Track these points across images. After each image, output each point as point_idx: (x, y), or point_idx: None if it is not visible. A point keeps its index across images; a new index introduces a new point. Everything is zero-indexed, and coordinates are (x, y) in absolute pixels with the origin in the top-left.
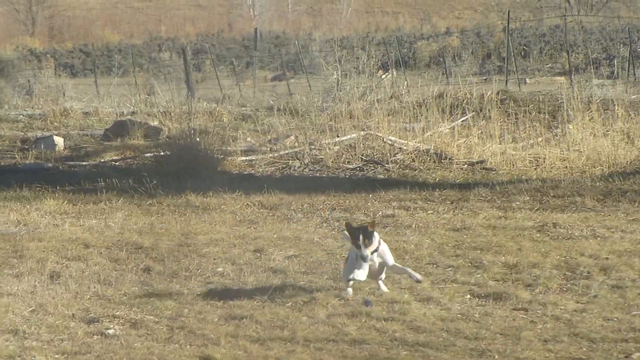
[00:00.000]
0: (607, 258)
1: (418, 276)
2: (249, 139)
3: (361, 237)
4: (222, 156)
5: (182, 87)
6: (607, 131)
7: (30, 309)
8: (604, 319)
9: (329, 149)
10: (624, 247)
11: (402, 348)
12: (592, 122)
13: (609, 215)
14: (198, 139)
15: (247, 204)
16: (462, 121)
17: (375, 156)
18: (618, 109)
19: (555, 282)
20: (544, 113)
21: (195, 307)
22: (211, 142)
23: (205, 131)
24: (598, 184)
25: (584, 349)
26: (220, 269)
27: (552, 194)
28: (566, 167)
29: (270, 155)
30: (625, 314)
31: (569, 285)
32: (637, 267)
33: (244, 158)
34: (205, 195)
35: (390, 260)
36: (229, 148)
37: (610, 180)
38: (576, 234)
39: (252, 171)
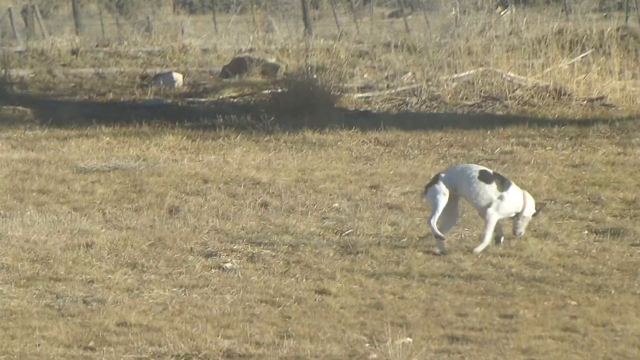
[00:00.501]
0: None
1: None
2: (365, 75)
3: None
4: (338, 93)
5: (299, 24)
6: None
7: (149, 242)
8: None
9: (447, 85)
10: None
11: (518, 283)
12: None
13: None
14: (315, 76)
15: (364, 140)
16: (582, 57)
17: (494, 92)
18: None
19: None
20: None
21: (311, 241)
22: (328, 79)
23: (322, 68)
24: None
25: None
26: (336, 205)
27: None
28: None
29: (387, 92)
30: None
31: None
32: None
33: (360, 95)
34: (322, 132)
35: None
36: (345, 85)
37: None
38: None
39: (369, 108)
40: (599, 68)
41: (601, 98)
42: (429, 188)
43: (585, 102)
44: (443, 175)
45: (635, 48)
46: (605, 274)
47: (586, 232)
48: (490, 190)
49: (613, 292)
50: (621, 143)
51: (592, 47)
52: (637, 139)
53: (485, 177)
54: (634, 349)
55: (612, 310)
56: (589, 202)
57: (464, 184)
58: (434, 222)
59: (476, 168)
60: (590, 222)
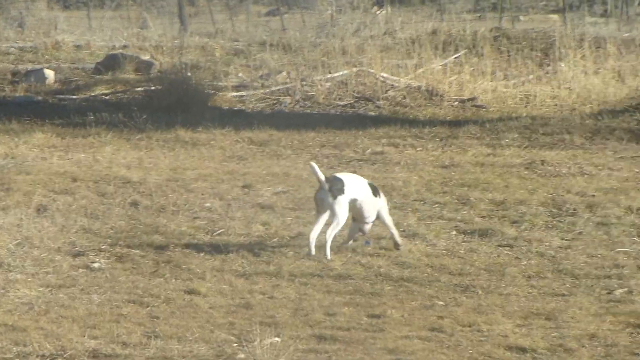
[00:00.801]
0: (593, 195)
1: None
2: (240, 74)
3: None
4: (213, 92)
5: (175, 21)
6: (598, 69)
7: (16, 241)
8: (588, 256)
9: (321, 85)
10: (610, 184)
11: (386, 283)
12: (583, 60)
13: (597, 152)
14: (189, 74)
15: (237, 139)
16: (455, 58)
17: (367, 93)
18: (610, 47)
19: (541, 219)
20: (537, 51)
21: (181, 241)
22: (202, 77)
23: (197, 66)
24: (587, 121)
25: (567, 285)
26: (207, 204)
27: (541, 132)
28: (556, 104)
29: (261, 91)
30: (609, 251)
31: (554, 222)
32: (623, 205)
33: (234, 94)
34: (195, 131)
35: None
36: (220, 83)
37: (600, 118)
38: (564, 171)
39: (243, 107)
40: (472, 69)
41: (472, 99)
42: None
43: (456, 103)
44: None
45: (508, 49)
46: (473, 275)
47: (454, 232)
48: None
49: (480, 292)
50: (491, 144)
51: (466, 48)
52: (507, 140)
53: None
54: (499, 349)
55: (478, 311)
56: (457, 202)
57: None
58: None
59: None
60: (458, 223)
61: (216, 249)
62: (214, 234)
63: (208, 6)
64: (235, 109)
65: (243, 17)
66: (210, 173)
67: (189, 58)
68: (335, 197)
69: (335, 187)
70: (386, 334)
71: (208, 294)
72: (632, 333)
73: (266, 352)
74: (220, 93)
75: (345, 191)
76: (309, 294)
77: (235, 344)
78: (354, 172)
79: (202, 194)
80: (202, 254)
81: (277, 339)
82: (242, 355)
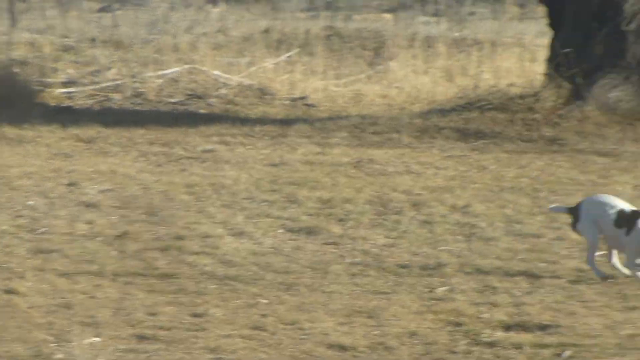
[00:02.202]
0: (419, 194)
1: None
2: (69, 71)
3: None
4: (40, 88)
5: (3, 17)
6: (429, 68)
7: None
8: (412, 254)
9: (152, 82)
10: (436, 183)
11: (210, 282)
12: (414, 59)
13: (424, 151)
14: (16, 70)
15: (63, 137)
16: (287, 57)
17: (199, 91)
18: (440, 47)
19: (367, 217)
20: (368, 50)
21: (2, 240)
22: (30, 74)
23: (25, 62)
24: (416, 120)
25: (390, 283)
26: (31, 203)
27: (370, 131)
28: (386, 103)
29: (91, 87)
30: (432, 249)
31: (380, 220)
32: (448, 203)
33: (63, 90)
34: (21, 128)
35: None
36: (48, 80)
37: (428, 117)
38: (390, 170)
39: (71, 103)
40: (304, 68)
41: (303, 98)
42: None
43: (288, 101)
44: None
45: (340, 48)
46: (297, 273)
47: (281, 230)
48: None
49: (303, 290)
50: (320, 143)
51: (298, 47)
52: (336, 139)
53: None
54: (321, 347)
55: (301, 309)
56: (286, 201)
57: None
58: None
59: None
60: (286, 221)
61: (38, 248)
62: (36, 232)
63: (40, 2)
64: (63, 105)
65: (75, 13)
66: (35, 171)
67: (17, 54)
68: None
69: None
70: (208, 332)
71: (28, 294)
72: (452, 331)
73: (85, 352)
74: (48, 89)
75: None
76: (132, 294)
77: (53, 344)
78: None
79: (26, 192)
80: (23, 253)
81: (96, 338)
82: (60, 356)
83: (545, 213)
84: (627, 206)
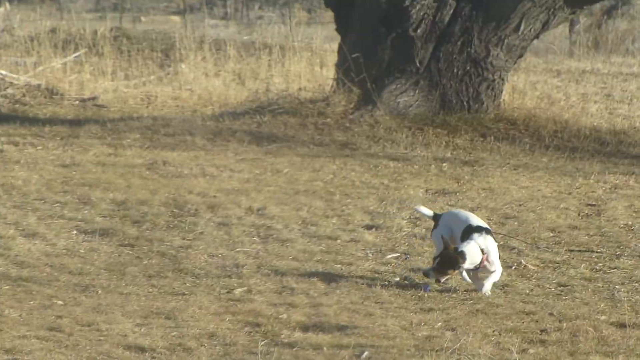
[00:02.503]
0: (215, 196)
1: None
2: None
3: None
4: None
5: None
6: (219, 71)
7: None
8: (209, 255)
9: None
10: (231, 185)
11: (4, 282)
12: (204, 61)
13: (219, 154)
14: None
15: None
16: (75, 57)
17: None
18: (230, 50)
19: (163, 218)
20: (157, 52)
21: None
22: None
23: None
24: (209, 123)
25: (188, 285)
26: None
27: (162, 132)
28: (178, 105)
29: None
30: (229, 251)
31: (176, 222)
32: (243, 205)
33: None
34: None
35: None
36: None
37: (221, 120)
38: (185, 172)
39: None
40: (92, 68)
41: (93, 98)
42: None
43: (77, 102)
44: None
45: (129, 49)
46: (93, 274)
47: (75, 232)
48: None
49: (100, 291)
50: (112, 144)
51: (86, 47)
52: (128, 140)
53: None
54: (118, 348)
55: (98, 310)
56: (79, 202)
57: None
58: None
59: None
60: (79, 222)
61: None
62: None
63: None
64: None
65: None
66: None
67: None
68: None
69: None
70: (3, 333)
71: None
72: (250, 332)
73: None
74: None
75: None
76: None
77: None
78: None
79: None
80: None
81: None
82: None
83: (339, 215)
84: (476, 222)
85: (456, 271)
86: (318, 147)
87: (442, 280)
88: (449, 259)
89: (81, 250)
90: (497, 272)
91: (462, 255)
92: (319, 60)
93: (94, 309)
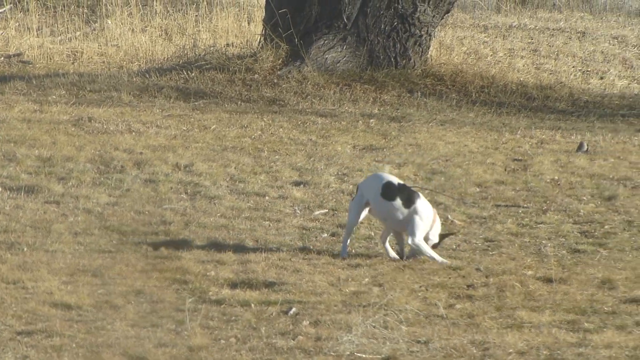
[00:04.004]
0: (141, 153)
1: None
2: None
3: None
4: None
5: None
6: (146, 27)
7: None
8: (136, 212)
9: None
10: (158, 142)
11: None
12: (130, 17)
13: (145, 110)
14: None
15: None
16: (0, 13)
17: None
18: (157, 5)
19: (89, 175)
20: (84, 7)
21: None
22: None
23: None
24: (135, 79)
25: (114, 242)
26: None
27: (88, 89)
28: (104, 62)
29: None
30: (156, 207)
31: (102, 179)
32: (170, 162)
33: None
34: None
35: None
36: None
37: (147, 76)
38: (111, 128)
39: None
40: (17, 24)
41: (18, 55)
42: None
43: (2, 58)
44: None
45: (54, 5)
46: (18, 232)
47: (0, 189)
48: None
49: (25, 249)
50: (38, 100)
51: (11, 3)
52: (54, 97)
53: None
54: (44, 306)
55: (23, 268)
56: (3, 159)
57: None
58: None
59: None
60: (4, 180)
61: None
62: None
63: None
64: None
65: None
66: None
67: None
68: None
69: None
70: None
71: None
72: (178, 289)
73: None
74: None
75: None
76: None
77: None
78: None
79: None
80: None
81: None
82: None
83: (267, 172)
84: (395, 180)
85: None
86: (246, 104)
87: None
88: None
89: (6, 208)
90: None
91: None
92: (246, 16)
93: (19, 266)
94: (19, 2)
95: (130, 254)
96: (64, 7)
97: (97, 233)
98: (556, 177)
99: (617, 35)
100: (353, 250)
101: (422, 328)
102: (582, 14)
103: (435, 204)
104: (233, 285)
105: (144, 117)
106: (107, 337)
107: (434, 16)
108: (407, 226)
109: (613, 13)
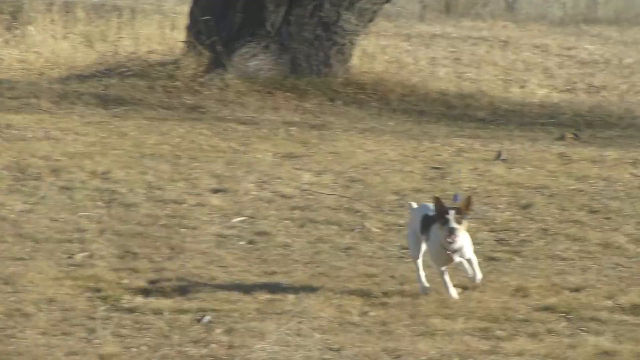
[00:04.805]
0: (58, 160)
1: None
2: None
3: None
4: None
5: None
6: (68, 34)
7: None
8: (51, 220)
9: None
10: (76, 149)
11: None
12: (53, 24)
13: (64, 117)
14: None
15: None
16: None
17: None
18: (80, 12)
19: (4, 182)
20: (5, 14)
21: None
22: None
23: None
24: (55, 86)
25: (28, 249)
26: None
27: (7, 95)
28: (24, 68)
29: None
30: (72, 215)
31: (18, 186)
32: (87, 169)
33: None
34: None
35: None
36: None
37: (68, 83)
38: (29, 135)
39: None
40: None
41: None
42: None
43: None
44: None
45: None
46: None
47: None
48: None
49: None
50: None
51: None
52: None
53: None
54: None
55: None
56: None
57: None
58: None
59: None
60: None
61: None
62: None
63: None
64: None
65: None
66: None
67: None
68: None
69: None
70: None
71: None
72: (91, 297)
73: None
74: None
75: None
76: None
77: None
78: None
79: None
80: None
81: None
82: None
83: (186, 179)
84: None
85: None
86: (166, 111)
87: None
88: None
89: None
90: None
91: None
92: (170, 23)
93: None
94: None
95: (43, 261)
96: None
97: (10, 240)
98: (474, 185)
99: (539, 44)
100: (270, 258)
101: (335, 335)
102: (506, 23)
103: (352, 211)
104: (146, 293)
105: (63, 124)
106: (17, 346)
107: (357, 25)
108: None
109: (536, 22)
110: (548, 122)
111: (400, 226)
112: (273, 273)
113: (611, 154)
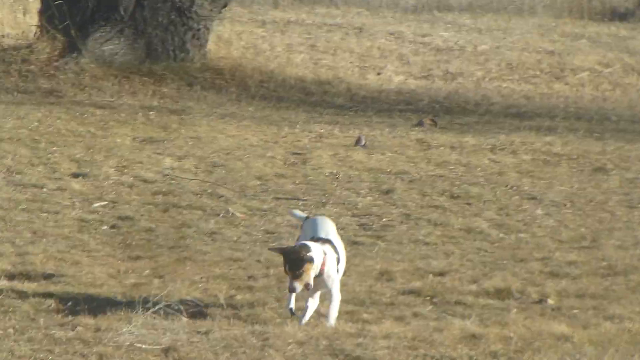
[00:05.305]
0: None
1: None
2: None
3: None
4: None
5: None
6: None
7: None
8: None
9: None
10: None
11: None
12: None
13: None
14: None
15: None
16: None
17: None
18: None
19: None
20: None
21: None
22: None
23: None
24: None
25: None
26: None
27: None
28: None
29: None
30: None
31: None
32: None
33: None
34: None
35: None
36: None
37: None
38: None
39: None
40: None
41: None
42: None
43: None
44: None
45: None
46: None
47: None
48: None
49: None
50: None
51: None
52: None
53: None
54: None
55: None
56: None
57: None
58: None
59: None
60: None
61: None
62: None
63: None
64: None
65: None
66: None
67: None
68: None
69: None
70: None
71: None
72: None
73: None
74: None
75: None
76: None
77: None
78: None
79: None
80: None
81: None
82: None
83: (45, 164)
84: (324, 234)
85: (311, 267)
86: (22, 95)
87: (308, 283)
88: (293, 253)
89: None
90: (335, 296)
91: (304, 247)
92: (22, 7)
93: None
94: None
95: None
96: None
97: None
98: (335, 171)
99: (393, 32)
100: (133, 243)
101: (202, 319)
102: (360, 10)
103: (216, 196)
104: (11, 276)
105: None
106: None
107: (211, 10)
108: None
109: (390, 9)
110: (406, 109)
111: (264, 211)
112: (138, 257)
113: (470, 140)
